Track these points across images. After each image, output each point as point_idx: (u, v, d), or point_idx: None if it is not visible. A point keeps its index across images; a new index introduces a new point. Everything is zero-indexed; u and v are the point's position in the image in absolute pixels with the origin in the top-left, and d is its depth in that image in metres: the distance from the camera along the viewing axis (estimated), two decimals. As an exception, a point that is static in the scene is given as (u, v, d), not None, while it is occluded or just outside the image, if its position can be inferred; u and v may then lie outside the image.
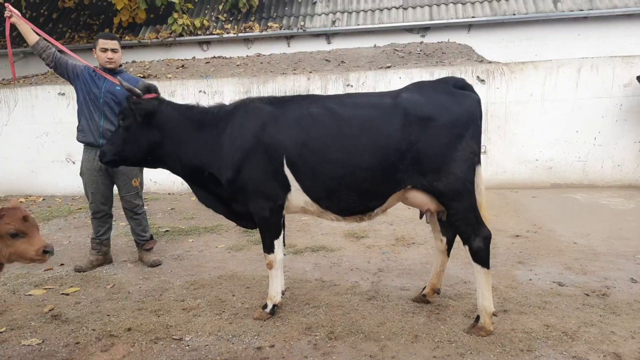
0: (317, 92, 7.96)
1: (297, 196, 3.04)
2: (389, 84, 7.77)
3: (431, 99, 2.92)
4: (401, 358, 2.62)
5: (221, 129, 3.08)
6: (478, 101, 2.96)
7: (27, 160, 8.38)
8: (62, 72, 4.18)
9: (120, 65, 4.32)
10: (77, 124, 4.27)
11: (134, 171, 4.24)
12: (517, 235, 5.00)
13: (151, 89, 3.25)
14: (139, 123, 3.14)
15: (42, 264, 2.21)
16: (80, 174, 4.28)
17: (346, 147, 2.87)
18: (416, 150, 2.83)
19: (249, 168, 2.98)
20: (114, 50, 4.14)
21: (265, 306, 3.20)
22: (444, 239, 3.24)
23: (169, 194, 8.26)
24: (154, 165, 3.35)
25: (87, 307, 3.47)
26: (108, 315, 3.30)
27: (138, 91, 3.15)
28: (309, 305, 3.38)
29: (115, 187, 4.37)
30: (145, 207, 4.50)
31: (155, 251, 4.61)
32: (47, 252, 2.33)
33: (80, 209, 7.05)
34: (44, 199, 8.02)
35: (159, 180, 8.37)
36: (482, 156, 3.10)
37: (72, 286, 3.88)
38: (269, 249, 3.15)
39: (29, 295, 3.69)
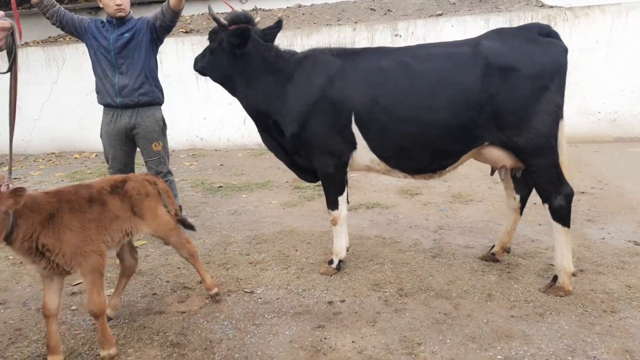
0: (364, 43, 7.65)
1: (363, 154, 2.95)
2: (440, 34, 7.36)
3: (514, 48, 2.71)
4: (477, 316, 2.59)
5: (289, 77, 2.98)
6: (565, 50, 2.73)
7: (78, 117, 8.58)
8: (70, 29, 3.76)
9: (129, 13, 3.82)
10: None
11: (154, 134, 3.84)
12: (583, 192, 4.77)
13: (241, 19, 2.99)
14: (222, 50, 3.05)
15: None
16: (100, 137, 3.95)
17: (420, 103, 2.73)
18: (496, 104, 2.66)
19: (314, 123, 2.90)
20: None
21: (331, 261, 3.22)
22: (517, 197, 3.11)
23: (215, 150, 8.35)
24: (232, 94, 3.26)
25: (157, 259, 3.60)
26: (178, 268, 3.41)
27: (223, 21, 2.96)
28: (373, 261, 3.37)
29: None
30: (172, 177, 4.04)
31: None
32: None
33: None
34: (96, 155, 8.27)
35: (205, 137, 8.45)
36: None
37: (139, 239, 4.01)
38: (333, 205, 3.11)
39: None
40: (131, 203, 2.47)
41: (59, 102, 8.62)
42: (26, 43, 8.96)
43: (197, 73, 3.36)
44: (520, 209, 3.15)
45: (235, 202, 5.12)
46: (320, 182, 3.20)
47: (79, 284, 3.17)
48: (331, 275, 3.16)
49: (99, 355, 2.29)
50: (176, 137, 8.04)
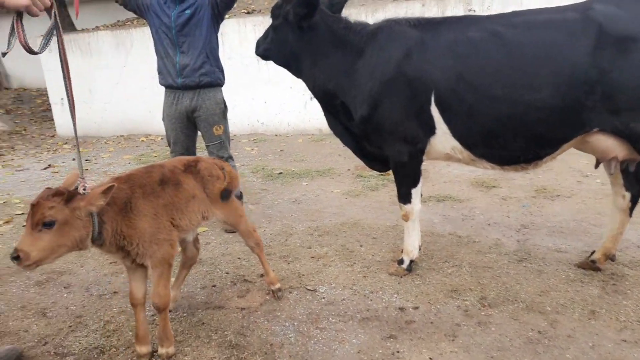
0: (434, 22, 7.11)
1: (442, 141, 2.59)
2: (520, 6, 6.65)
3: (635, 13, 2.23)
4: (580, 338, 2.19)
5: (360, 52, 2.66)
6: None
7: (145, 100, 8.77)
8: (133, 6, 3.66)
9: None
10: None
11: (215, 117, 3.68)
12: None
13: None
14: (288, 26, 2.78)
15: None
16: (162, 120, 3.82)
17: (517, 80, 2.32)
18: (610, 82, 2.21)
19: (387, 104, 2.57)
20: None
21: (401, 261, 2.91)
22: (628, 195, 2.63)
23: (276, 135, 8.22)
24: (296, 74, 3.01)
25: (218, 248, 3.47)
26: (239, 258, 3.26)
27: None
28: (449, 263, 3.02)
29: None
30: (233, 162, 3.85)
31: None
32: (12, 256, 1.70)
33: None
34: (161, 138, 8.43)
35: (266, 121, 8.34)
36: None
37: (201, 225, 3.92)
38: (405, 198, 2.79)
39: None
40: (204, 184, 2.33)
41: (127, 86, 8.86)
42: (97, 27, 9.28)
43: (259, 57, 3.13)
44: (630, 209, 2.67)
45: (296, 190, 4.92)
46: (390, 171, 2.89)
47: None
48: (401, 277, 2.86)
49: (156, 352, 2.16)
50: (237, 121, 8.00)
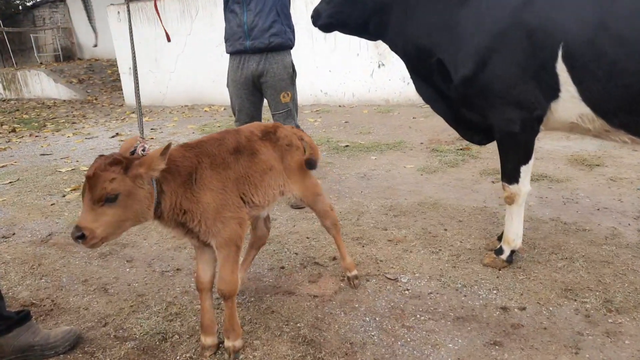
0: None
1: (568, 106, 2.08)
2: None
3: None
4: None
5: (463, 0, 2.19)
6: None
7: (208, 70, 8.65)
8: None
9: None
10: None
11: (282, 83, 3.40)
12: None
13: None
14: None
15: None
16: (227, 86, 3.55)
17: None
18: None
19: (498, 61, 2.09)
20: None
21: (499, 250, 2.47)
22: None
23: (339, 106, 7.82)
24: (374, 36, 2.58)
25: (284, 225, 3.20)
26: (307, 237, 2.96)
27: None
28: (557, 255, 2.54)
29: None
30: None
31: None
32: (74, 235, 1.46)
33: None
34: (224, 109, 8.31)
35: (329, 91, 7.95)
36: None
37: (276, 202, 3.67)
38: (511, 177, 2.32)
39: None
40: (282, 155, 2.03)
41: (192, 54, 8.76)
42: (163, -5, 9.21)
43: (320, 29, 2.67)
44: None
45: (364, 164, 4.54)
46: (492, 143, 2.43)
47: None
48: (499, 269, 2.43)
49: (222, 343, 1.92)
50: (300, 91, 7.63)
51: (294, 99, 3.49)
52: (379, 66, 7.40)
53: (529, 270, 2.41)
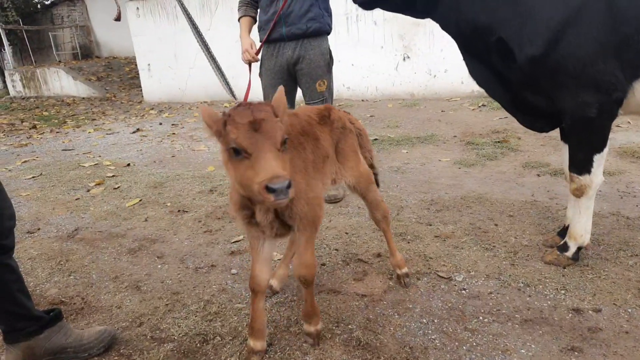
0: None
1: (654, 86, 1.86)
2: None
3: None
4: None
5: None
6: None
7: (229, 65, 8.48)
8: None
9: None
10: None
11: (319, 70, 3.21)
12: None
13: None
14: None
15: (272, 205, 1.38)
16: (259, 75, 3.35)
17: None
18: None
19: (573, 37, 1.88)
20: None
21: (564, 247, 2.25)
22: None
23: (362, 100, 7.61)
24: (422, 13, 2.36)
25: (320, 220, 3.02)
26: (346, 233, 2.77)
27: None
28: (626, 252, 2.31)
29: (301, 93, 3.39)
30: None
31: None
32: (271, 189, 1.22)
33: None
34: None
35: (352, 86, 7.75)
36: None
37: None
38: (582, 167, 2.10)
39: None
40: (337, 140, 1.86)
41: (213, 50, 8.63)
42: (182, -10, 9.11)
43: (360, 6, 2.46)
44: None
45: (397, 158, 4.33)
46: (538, 135, 2.22)
47: (237, 241, 2.73)
48: (564, 268, 2.22)
49: (302, 330, 1.82)
50: (322, 85, 7.48)
51: (329, 87, 3.30)
52: (404, 59, 7.18)
53: (598, 268, 2.19)
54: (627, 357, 1.64)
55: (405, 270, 2.18)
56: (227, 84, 1.77)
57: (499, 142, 4.47)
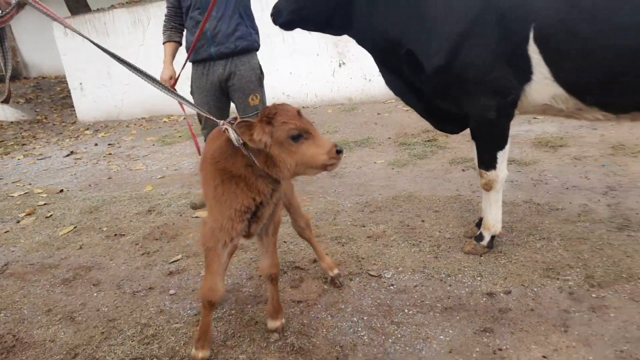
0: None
1: (541, 88, 2.08)
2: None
3: None
4: None
5: None
6: None
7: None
8: None
9: None
10: None
11: (250, 85, 3.28)
12: None
13: None
14: None
15: (333, 169, 1.64)
16: (191, 93, 3.39)
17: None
18: None
19: (471, 48, 2.07)
20: None
21: (479, 237, 2.46)
22: None
23: (302, 107, 7.73)
24: (339, 30, 2.49)
25: (259, 232, 3.08)
26: (284, 242, 2.86)
27: None
28: (534, 236, 2.56)
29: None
30: None
31: None
32: (339, 151, 1.60)
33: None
34: (184, 118, 8.06)
35: (291, 93, 7.86)
36: None
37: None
38: (488, 163, 2.31)
39: (196, 217, 3.43)
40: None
41: (147, 65, 8.35)
42: (112, 6, 8.86)
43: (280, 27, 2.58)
44: None
45: (335, 163, 4.47)
46: (464, 132, 2.42)
47: (176, 261, 2.75)
48: (481, 256, 2.42)
49: (267, 329, 1.99)
50: (262, 95, 7.54)
51: (262, 101, 3.37)
52: (339, 65, 7.38)
53: (510, 253, 2.41)
54: (531, 332, 1.84)
55: (336, 271, 2.30)
56: (175, 94, 1.90)
57: (428, 140, 4.73)
